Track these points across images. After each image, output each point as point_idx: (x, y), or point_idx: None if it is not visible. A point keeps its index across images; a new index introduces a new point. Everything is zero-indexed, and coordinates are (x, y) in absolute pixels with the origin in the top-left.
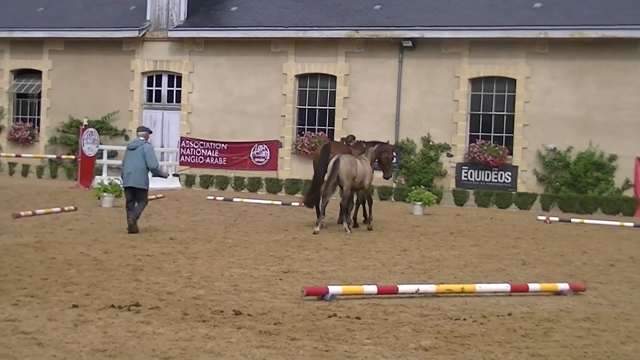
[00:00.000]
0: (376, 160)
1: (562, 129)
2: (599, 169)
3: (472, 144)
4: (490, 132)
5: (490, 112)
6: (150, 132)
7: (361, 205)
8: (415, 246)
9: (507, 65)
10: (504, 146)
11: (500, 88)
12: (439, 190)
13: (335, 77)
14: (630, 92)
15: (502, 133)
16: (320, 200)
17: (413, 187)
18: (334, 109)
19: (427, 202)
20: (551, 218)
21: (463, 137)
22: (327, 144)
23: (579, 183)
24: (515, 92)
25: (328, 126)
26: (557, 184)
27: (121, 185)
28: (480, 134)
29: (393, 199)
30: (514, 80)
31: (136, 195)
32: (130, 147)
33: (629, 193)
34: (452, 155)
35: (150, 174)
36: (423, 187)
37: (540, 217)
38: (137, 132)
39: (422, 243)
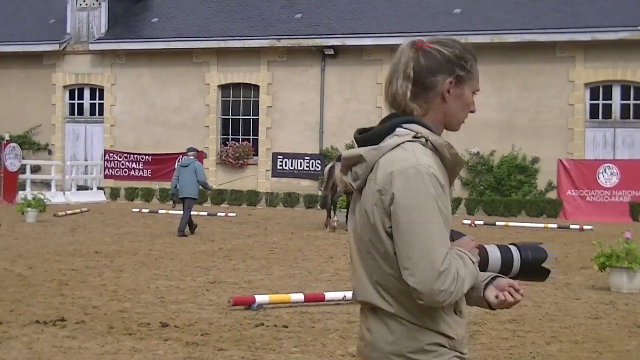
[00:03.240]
0: None
1: (485, 133)
2: (522, 171)
3: None
4: None
5: None
6: (199, 151)
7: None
8: (341, 253)
9: None
10: None
11: None
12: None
13: (258, 86)
14: (550, 95)
15: None
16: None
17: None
18: (258, 119)
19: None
20: (476, 222)
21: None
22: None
23: (502, 186)
24: None
25: (252, 136)
26: (481, 187)
27: (172, 196)
28: None
29: (319, 207)
30: None
31: (186, 203)
32: (183, 165)
33: (552, 195)
34: None
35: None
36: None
37: (465, 221)
38: (188, 152)
39: (348, 250)
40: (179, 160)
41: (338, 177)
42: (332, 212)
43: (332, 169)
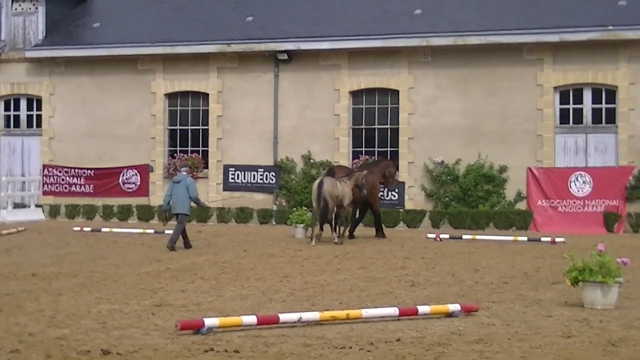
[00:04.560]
0: (382, 175)
1: (449, 141)
2: (490, 181)
3: (356, 160)
4: (374, 147)
5: (373, 126)
6: (191, 167)
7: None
8: (298, 272)
9: (389, 76)
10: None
11: (382, 100)
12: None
13: (208, 94)
14: (517, 98)
15: (387, 147)
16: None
17: (294, 209)
18: (208, 129)
19: (310, 225)
20: (441, 235)
21: (346, 153)
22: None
23: (469, 197)
24: (398, 103)
25: (202, 147)
26: (447, 199)
27: (165, 212)
28: (363, 149)
29: (274, 222)
30: (397, 92)
31: (179, 219)
32: (175, 181)
33: (522, 205)
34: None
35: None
36: (305, 209)
37: (430, 235)
38: (181, 168)
39: (305, 268)
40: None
41: (327, 193)
42: (333, 227)
43: (320, 184)
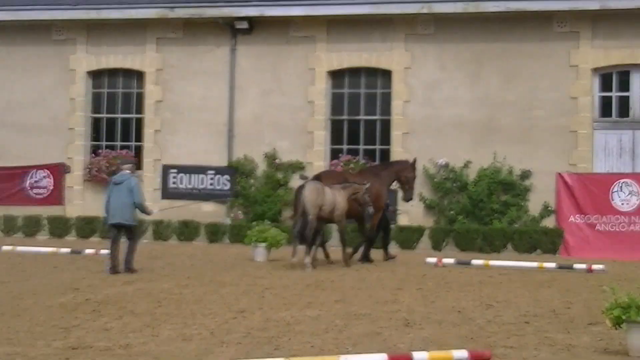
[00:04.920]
0: (395, 180)
1: (456, 138)
2: (508, 190)
3: (334, 162)
4: (359, 144)
5: (358, 117)
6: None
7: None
8: (257, 305)
9: (379, 53)
10: (377, 163)
11: (370, 83)
12: (291, 226)
13: (144, 73)
14: (546, 85)
15: (375, 145)
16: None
17: (254, 223)
18: (143, 118)
19: (274, 244)
20: (444, 260)
21: (322, 151)
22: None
23: (481, 211)
24: (391, 88)
25: (134, 141)
26: (452, 212)
27: (104, 223)
28: (345, 147)
29: (227, 241)
30: (389, 73)
31: (122, 233)
32: (115, 182)
33: (550, 222)
34: (306, 178)
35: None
36: (268, 223)
37: (429, 260)
38: (121, 165)
39: (267, 300)
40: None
41: (309, 202)
42: (310, 247)
43: (300, 190)
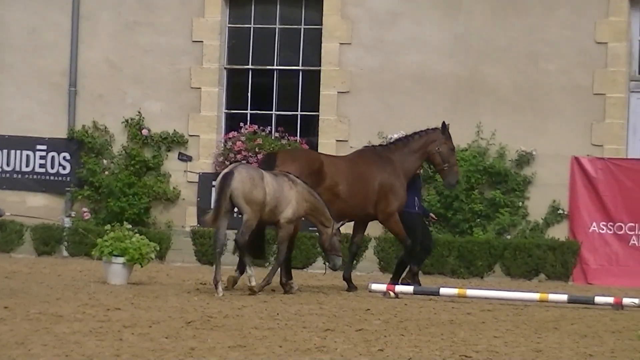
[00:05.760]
0: (427, 157)
1: (419, 102)
2: (498, 182)
3: (233, 134)
4: (271, 109)
5: (270, 67)
6: None
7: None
8: (112, 352)
9: None
10: (298, 138)
11: (289, 16)
12: (165, 231)
13: None
14: (557, 23)
15: (295, 110)
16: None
17: (108, 227)
18: None
19: (138, 259)
20: (399, 287)
21: (213, 117)
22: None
23: (456, 214)
24: (321, 24)
25: None
26: None
27: None
28: (249, 111)
29: (65, 252)
30: (320, 2)
31: None
32: None
33: (559, 231)
34: (189, 159)
35: None
36: (129, 227)
37: (375, 286)
38: None
39: (127, 345)
40: None
41: (240, 193)
42: (246, 261)
43: (227, 177)
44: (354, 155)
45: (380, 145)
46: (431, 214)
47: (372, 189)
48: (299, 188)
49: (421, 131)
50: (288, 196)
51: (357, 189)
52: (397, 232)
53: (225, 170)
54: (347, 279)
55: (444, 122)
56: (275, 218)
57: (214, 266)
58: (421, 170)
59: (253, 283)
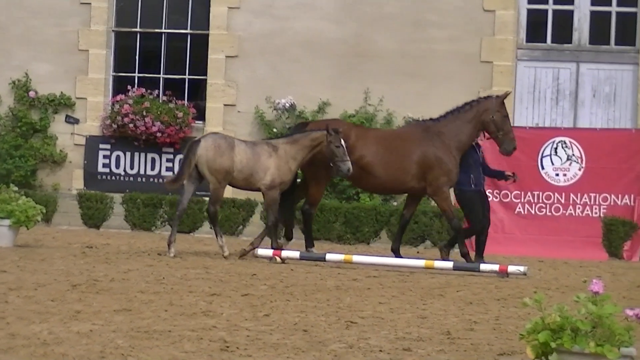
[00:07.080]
0: (483, 127)
1: (307, 67)
2: None
3: (121, 97)
4: (159, 72)
5: (159, 30)
6: None
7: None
8: None
9: None
10: (186, 102)
11: None
12: (51, 194)
13: None
14: None
15: (183, 74)
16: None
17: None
18: None
19: (24, 221)
20: (285, 253)
21: (101, 81)
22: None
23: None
24: None
25: None
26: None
27: None
28: (136, 75)
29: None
30: None
31: None
32: None
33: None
34: (76, 121)
35: None
36: (15, 190)
37: (262, 251)
38: None
39: (12, 307)
40: None
41: (204, 163)
42: (217, 231)
43: (194, 144)
44: (398, 129)
45: (430, 119)
46: (507, 173)
47: (410, 162)
48: (280, 153)
49: (472, 101)
50: (266, 164)
51: (391, 162)
52: (444, 208)
53: (195, 140)
54: (395, 250)
55: (506, 92)
56: (254, 185)
57: (172, 228)
58: (478, 142)
59: (226, 253)
